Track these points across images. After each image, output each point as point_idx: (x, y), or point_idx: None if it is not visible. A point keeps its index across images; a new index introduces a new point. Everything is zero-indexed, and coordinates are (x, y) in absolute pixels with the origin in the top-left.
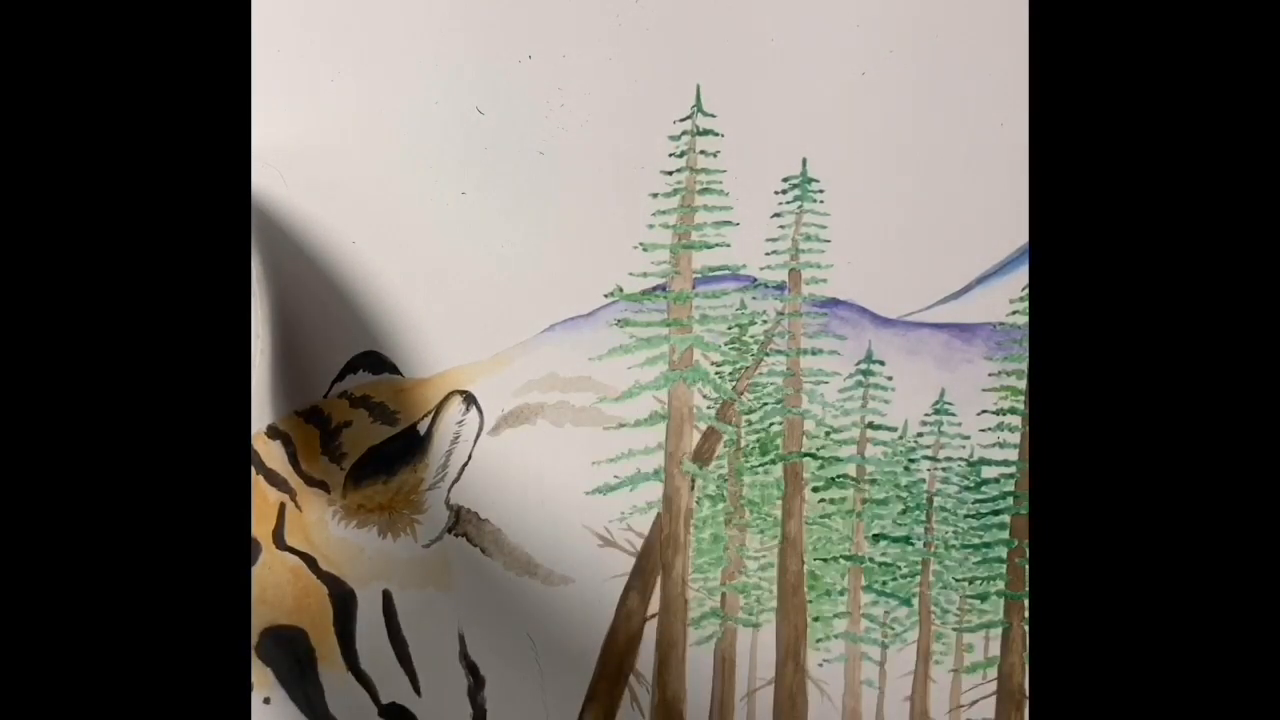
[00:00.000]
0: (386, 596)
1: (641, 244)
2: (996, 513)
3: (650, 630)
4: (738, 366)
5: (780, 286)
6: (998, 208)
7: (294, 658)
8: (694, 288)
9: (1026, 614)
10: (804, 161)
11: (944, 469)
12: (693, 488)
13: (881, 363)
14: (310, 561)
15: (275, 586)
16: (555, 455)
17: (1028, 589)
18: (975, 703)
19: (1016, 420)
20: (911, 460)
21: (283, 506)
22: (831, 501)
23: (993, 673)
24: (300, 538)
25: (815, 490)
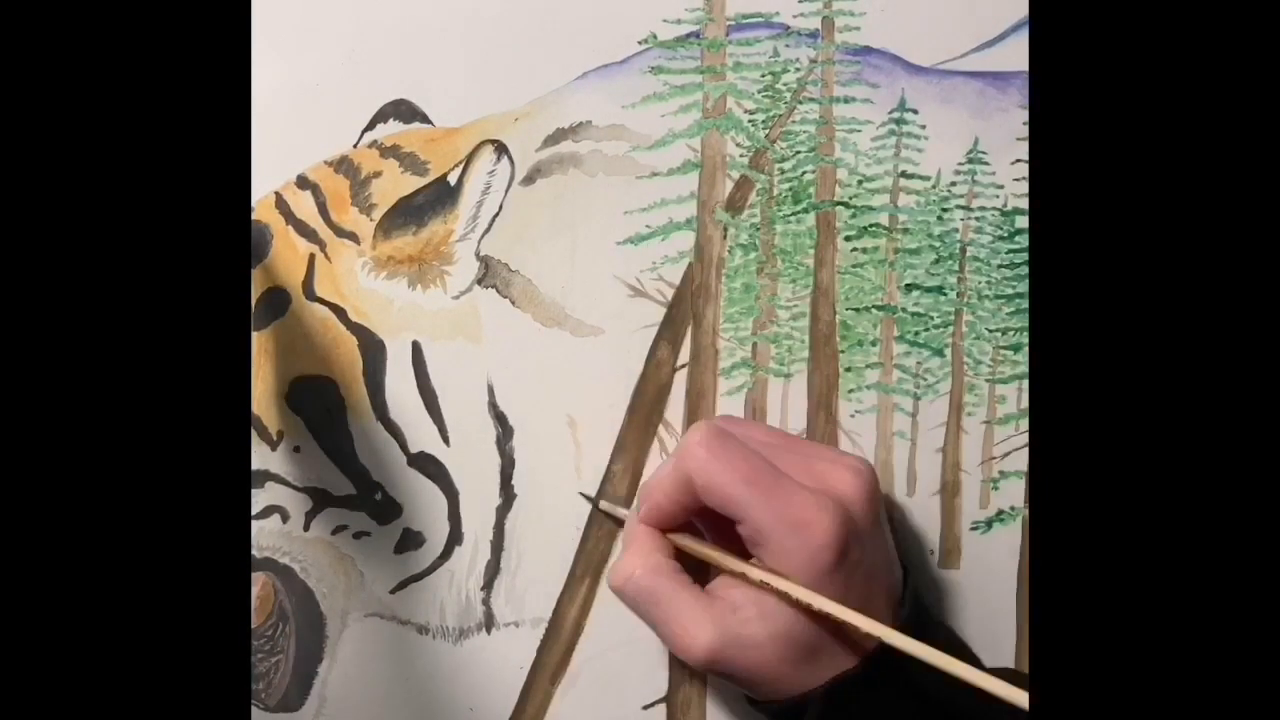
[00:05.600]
0: (416, 348)
1: None
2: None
3: (680, 380)
4: (770, 114)
5: (813, 34)
6: None
7: (323, 407)
8: (727, 35)
9: None
10: None
11: (977, 218)
12: (725, 236)
13: (915, 111)
14: (340, 313)
15: (304, 337)
16: (587, 205)
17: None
18: (1008, 454)
19: None
20: (945, 210)
21: (312, 258)
22: (864, 251)
23: (1025, 424)
24: (330, 289)
25: (848, 239)
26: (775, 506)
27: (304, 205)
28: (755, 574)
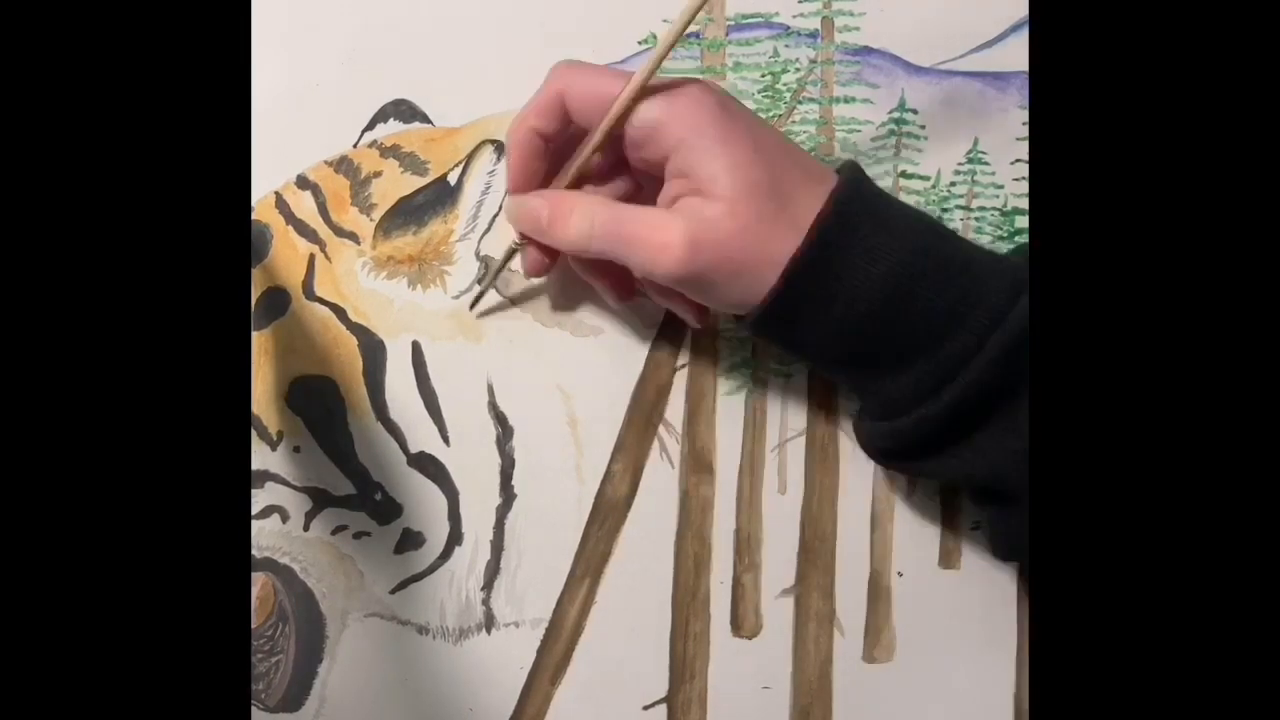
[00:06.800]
0: (416, 348)
1: None
2: None
3: (680, 380)
4: (770, 115)
5: (813, 34)
6: None
7: (324, 407)
8: (727, 35)
9: None
10: None
11: (977, 219)
12: None
13: (915, 111)
14: (340, 313)
15: (304, 337)
16: None
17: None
18: None
19: None
20: (945, 210)
21: (312, 258)
22: None
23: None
24: (330, 289)
25: None
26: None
27: (304, 205)
28: (613, 113)
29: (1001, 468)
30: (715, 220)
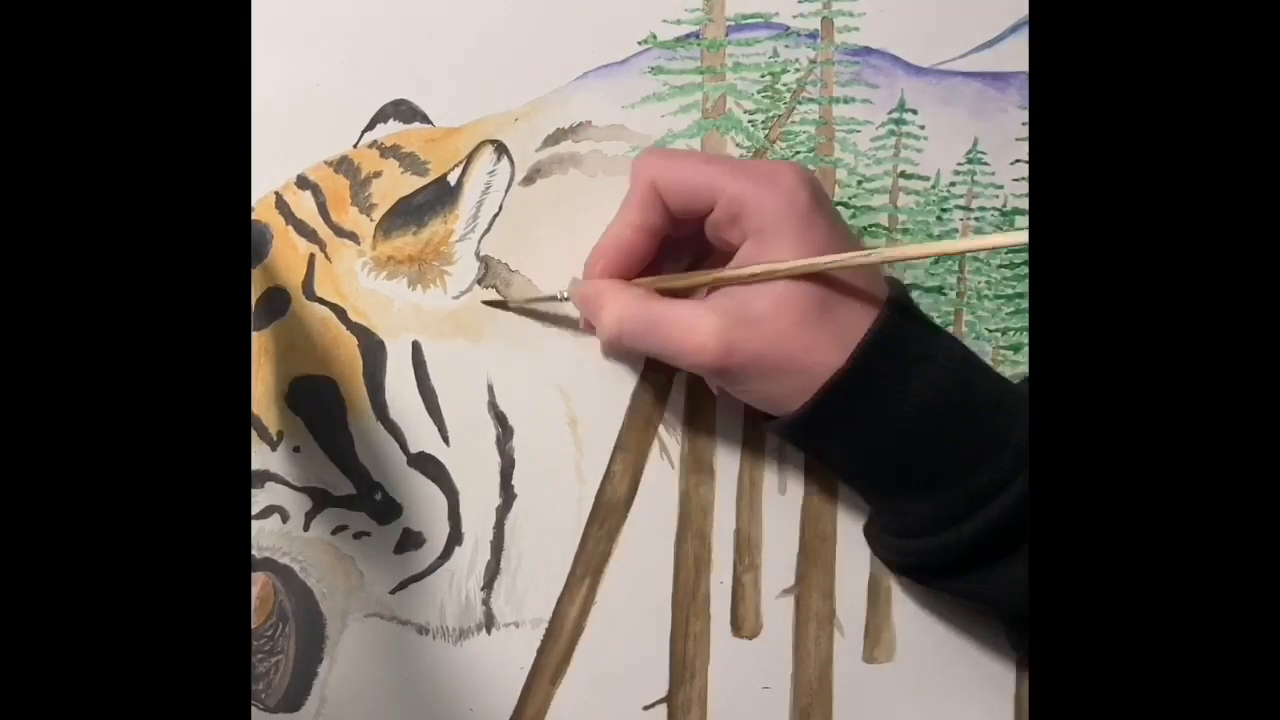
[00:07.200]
0: (416, 348)
1: None
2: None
3: (680, 380)
4: (770, 115)
5: (813, 35)
6: None
7: (323, 407)
8: (727, 35)
9: None
10: None
11: (977, 219)
12: None
13: (914, 111)
14: (340, 313)
15: (304, 337)
16: (587, 205)
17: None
18: None
19: None
20: (944, 210)
21: (312, 258)
22: None
23: None
24: (330, 289)
25: None
26: (743, 170)
27: (304, 205)
28: (746, 271)
29: (1017, 596)
30: (755, 322)
